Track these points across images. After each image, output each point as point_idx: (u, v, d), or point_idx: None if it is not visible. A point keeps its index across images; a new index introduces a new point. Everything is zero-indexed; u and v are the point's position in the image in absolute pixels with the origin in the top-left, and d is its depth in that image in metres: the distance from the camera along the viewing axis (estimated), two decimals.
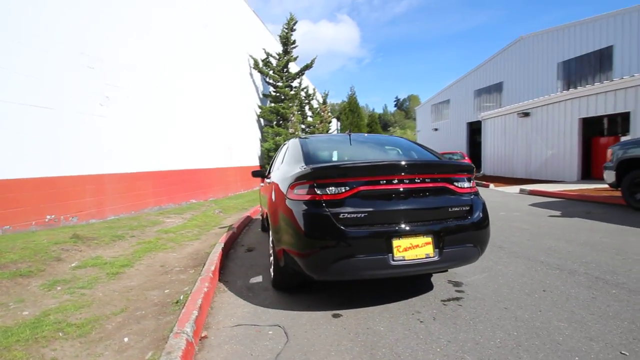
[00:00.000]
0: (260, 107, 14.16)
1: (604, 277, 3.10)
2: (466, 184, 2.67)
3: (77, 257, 4.11)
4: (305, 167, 2.62)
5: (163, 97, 8.38)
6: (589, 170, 12.29)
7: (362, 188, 2.41)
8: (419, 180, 2.50)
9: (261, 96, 14.69)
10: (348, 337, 2.24)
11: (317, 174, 2.44)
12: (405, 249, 2.35)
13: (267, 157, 13.94)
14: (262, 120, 14.60)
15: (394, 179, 2.45)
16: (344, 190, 2.41)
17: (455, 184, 2.61)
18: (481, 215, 2.62)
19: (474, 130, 22.85)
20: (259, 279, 3.48)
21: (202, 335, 2.30)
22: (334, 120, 36.14)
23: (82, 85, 6.17)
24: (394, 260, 2.33)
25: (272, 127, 14.25)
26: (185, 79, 9.31)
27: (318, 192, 2.42)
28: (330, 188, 2.41)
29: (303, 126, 15.28)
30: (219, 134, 11.04)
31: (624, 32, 13.48)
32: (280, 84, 14.27)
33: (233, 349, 2.13)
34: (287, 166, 3.18)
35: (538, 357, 1.92)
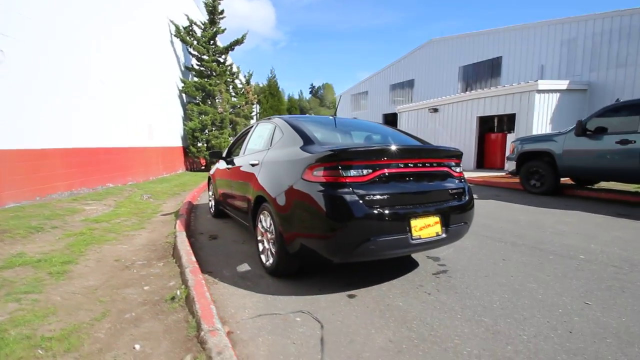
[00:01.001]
0: (182, 81, 12.78)
1: (538, 246, 3.83)
2: (458, 169, 2.96)
3: None
4: (324, 148, 2.53)
5: (72, 58, 6.87)
6: (482, 161, 14.70)
7: (383, 171, 2.47)
8: (428, 165, 2.68)
9: (183, 69, 13.24)
10: (375, 314, 2.31)
11: (342, 156, 2.40)
12: (421, 228, 2.52)
13: (192, 137, 12.79)
14: (184, 96, 13.23)
15: (410, 163, 2.58)
16: (367, 173, 2.43)
17: (453, 168, 2.88)
18: (469, 196, 2.95)
19: (389, 121, 24.86)
20: (245, 267, 3.27)
21: (226, 330, 2.09)
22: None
23: None
24: (412, 239, 2.47)
25: (198, 104, 13.05)
26: (97, 36, 7.79)
27: (344, 173, 2.39)
28: (355, 170, 2.41)
29: (227, 106, 14.37)
30: (138, 108, 9.64)
31: (510, 46, 16.29)
32: (206, 57, 13.06)
33: (269, 340, 2.00)
34: (284, 148, 3.01)
35: (534, 313, 2.31)
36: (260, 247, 3.20)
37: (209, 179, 5.80)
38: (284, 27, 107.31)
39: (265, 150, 3.34)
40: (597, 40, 13.10)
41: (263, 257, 3.13)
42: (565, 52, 14.15)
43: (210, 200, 5.81)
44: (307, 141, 2.82)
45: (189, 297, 2.34)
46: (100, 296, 2.55)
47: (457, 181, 2.89)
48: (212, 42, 13.24)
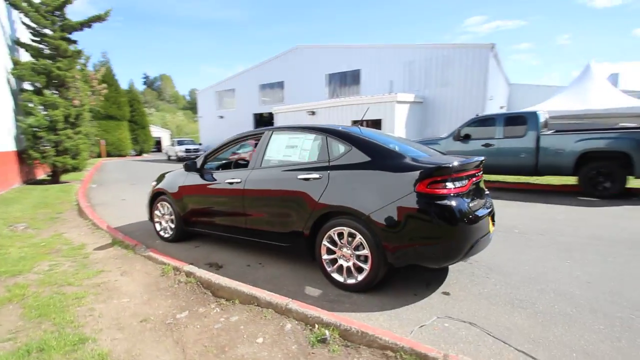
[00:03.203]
0: (14, 62, 9.13)
1: None
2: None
3: None
4: (434, 162, 2.71)
5: None
6: None
7: (472, 180, 2.88)
8: (481, 173, 3.26)
9: (10, 43, 9.46)
10: (485, 304, 2.72)
11: (452, 169, 2.66)
12: (489, 226, 3.07)
13: (33, 138, 9.41)
14: (14, 81, 9.51)
15: (478, 172, 3.09)
16: (465, 183, 2.79)
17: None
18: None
19: (261, 121, 24.92)
20: (314, 291, 3.01)
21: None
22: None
23: None
24: (490, 235, 2.99)
25: (39, 93, 9.64)
26: None
27: (455, 185, 2.67)
28: (460, 182, 2.73)
29: (86, 98, 11.20)
30: None
31: (367, 61, 19.27)
32: (49, 31, 9.74)
33: (469, 350, 2.11)
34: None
35: (570, 271, 3.23)
36: (328, 267, 3.05)
37: (156, 195, 4.70)
38: (100, 2, 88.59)
39: (323, 163, 3.14)
40: (427, 65, 17.22)
41: (337, 275, 3.00)
42: (407, 72, 17.92)
43: (159, 222, 4.71)
44: (397, 156, 2.90)
45: (351, 333, 2.11)
46: None
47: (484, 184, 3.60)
48: (58, 13, 9.99)
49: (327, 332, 2.17)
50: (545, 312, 2.56)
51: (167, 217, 4.60)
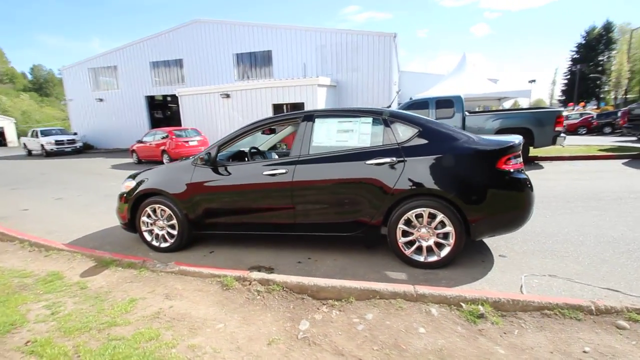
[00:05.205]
0: None
1: None
2: None
3: None
4: (505, 141, 3.01)
5: None
6: None
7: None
8: None
9: None
10: (538, 257, 3.24)
11: (518, 147, 3.03)
12: None
13: None
14: None
15: None
16: (521, 160, 3.20)
17: None
18: None
19: (153, 104, 21.66)
20: (398, 275, 3.04)
21: None
22: None
23: None
24: None
25: None
26: None
27: (520, 160, 3.06)
28: (520, 158, 3.12)
29: None
30: None
31: (278, 42, 18.72)
32: None
33: (569, 296, 2.52)
34: (440, 143, 3.04)
35: (547, 220, 4.06)
36: (407, 249, 3.12)
37: (141, 198, 3.81)
38: None
39: (392, 147, 3.10)
40: (339, 50, 17.91)
41: (417, 256, 3.11)
42: (319, 55, 18.27)
43: (150, 230, 3.86)
44: (467, 137, 3.09)
45: (502, 303, 2.27)
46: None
47: None
48: None
49: (481, 307, 2.27)
50: (582, 257, 3.22)
51: (162, 222, 3.80)
